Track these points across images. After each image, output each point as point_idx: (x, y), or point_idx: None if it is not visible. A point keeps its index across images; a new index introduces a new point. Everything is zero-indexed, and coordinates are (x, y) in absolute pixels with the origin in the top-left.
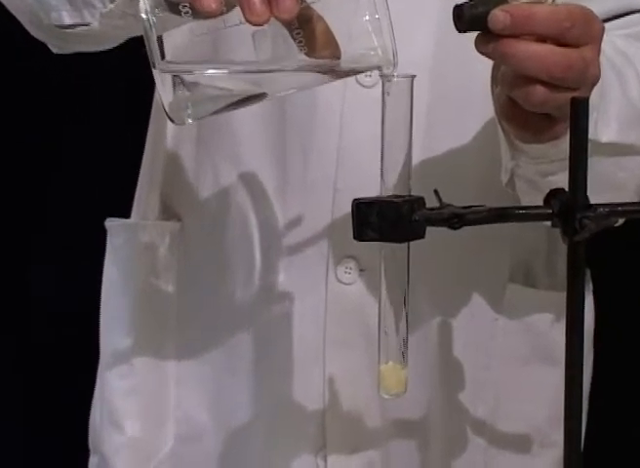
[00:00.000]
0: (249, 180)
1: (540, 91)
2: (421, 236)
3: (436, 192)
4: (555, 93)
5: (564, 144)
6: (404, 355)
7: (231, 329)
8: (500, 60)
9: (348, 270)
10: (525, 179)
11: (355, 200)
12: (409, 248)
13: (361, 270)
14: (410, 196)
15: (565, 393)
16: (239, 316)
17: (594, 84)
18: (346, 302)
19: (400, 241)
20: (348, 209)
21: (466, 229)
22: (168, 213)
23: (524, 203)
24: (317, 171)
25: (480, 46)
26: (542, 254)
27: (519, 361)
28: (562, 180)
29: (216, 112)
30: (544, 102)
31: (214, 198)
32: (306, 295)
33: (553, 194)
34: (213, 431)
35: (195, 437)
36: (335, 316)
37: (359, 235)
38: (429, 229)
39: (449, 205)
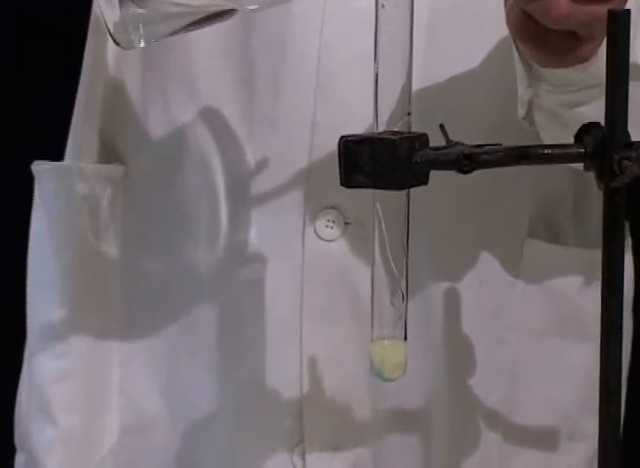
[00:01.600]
0: (208, 113)
1: (562, 3)
2: (424, 182)
3: (442, 127)
4: (581, 5)
5: (593, 69)
6: (403, 329)
7: (188, 298)
8: None
9: (330, 224)
10: (546, 112)
11: (343, 137)
12: (408, 196)
13: (346, 224)
14: (410, 133)
15: (600, 373)
16: (198, 282)
17: None
18: (328, 264)
19: (398, 188)
20: (329, 148)
21: (478, 174)
22: (109, 154)
23: (546, 141)
24: (291, 101)
25: None
26: (570, 204)
27: (541, 334)
28: (592, 113)
29: (172, 34)
30: (568, 18)
31: (165, 135)
32: (279, 256)
33: (586, 130)
34: (166, 422)
35: (145, 429)
36: (314, 281)
37: (347, 181)
38: (433, 173)
39: (457, 143)
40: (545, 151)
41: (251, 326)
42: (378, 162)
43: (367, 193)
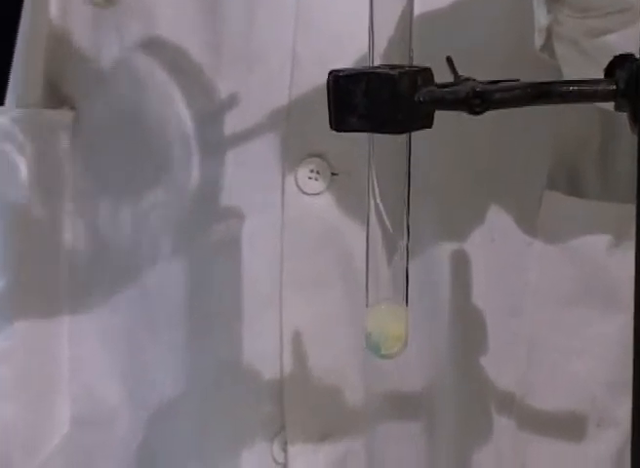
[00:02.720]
0: (170, 45)
1: None
2: (428, 124)
3: (449, 60)
4: None
5: None
6: (403, 293)
7: (149, 262)
8: None
9: (314, 174)
10: (568, 41)
11: (333, 72)
12: (410, 141)
13: (333, 174)
14: (411, 67)
15: (634, 348)
16: (160, 244)
17: None
18: (312, 222)
19: (398, 131)
20: (313, 85)
21: (491, 116)
22: (56, 98)
23: (567, 75)
24: (267, 29)
25: None
26: (595, 150)
27: (563, 303)
28: (622, 42)
29: None
30: None
31: (120, 75)
32: (254, 213)
33: (618, 63)
34: (125, 410)
35: (101, 419)
36: (296, 242)
37: (338, 123)
38: (439, 115)
39: (467, 79)
40: (570, 88)
41: (222, 294)
42: (374, 101)
43: (357, 138)
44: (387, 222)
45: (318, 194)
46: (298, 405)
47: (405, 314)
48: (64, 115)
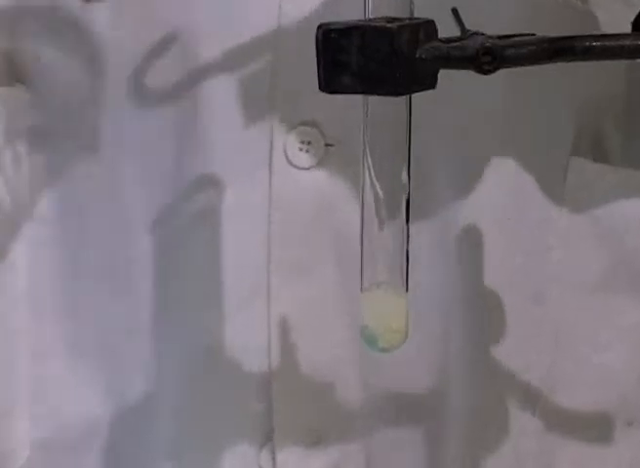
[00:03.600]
0: (139, 5)
1: None
2: (431, 85)
3: (455, 12)
4: None
5: None
6: (403, 277)
7: (122, 250)
8: None
9: (305, 146)
10: None
11: (322, 26)
12: (410, 105)
13: (327, 145)
14: (412, 19)
15: None
16: (130, 225)
17: None
18: (303, 199)
19: (396, 93)
20: (301, 43)
21: (503, 74)
22: (10, 73)
23: (603, 22)
24: None
25: None
26: (619, 111)
27: (591, 287)
28: None
29: None
30: None
31: (81, 46)
32: (238, 189)
33: None
34: (96, 424)
35: (66, 442)
36: (285, 221)
37: (328, 84)
38: (443, 74)
39: (475, 33)
40: (593, 43)
41: (204, 281)
42: (369, 58)
43: (355, 102)
44: (383, 197)
45: (310, 168)
46: (287, 404)
47: (405, 302)
48: (17, 94)
